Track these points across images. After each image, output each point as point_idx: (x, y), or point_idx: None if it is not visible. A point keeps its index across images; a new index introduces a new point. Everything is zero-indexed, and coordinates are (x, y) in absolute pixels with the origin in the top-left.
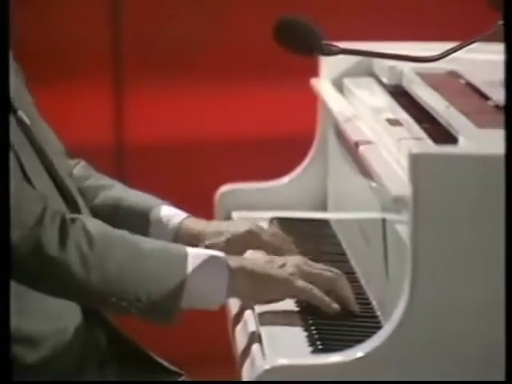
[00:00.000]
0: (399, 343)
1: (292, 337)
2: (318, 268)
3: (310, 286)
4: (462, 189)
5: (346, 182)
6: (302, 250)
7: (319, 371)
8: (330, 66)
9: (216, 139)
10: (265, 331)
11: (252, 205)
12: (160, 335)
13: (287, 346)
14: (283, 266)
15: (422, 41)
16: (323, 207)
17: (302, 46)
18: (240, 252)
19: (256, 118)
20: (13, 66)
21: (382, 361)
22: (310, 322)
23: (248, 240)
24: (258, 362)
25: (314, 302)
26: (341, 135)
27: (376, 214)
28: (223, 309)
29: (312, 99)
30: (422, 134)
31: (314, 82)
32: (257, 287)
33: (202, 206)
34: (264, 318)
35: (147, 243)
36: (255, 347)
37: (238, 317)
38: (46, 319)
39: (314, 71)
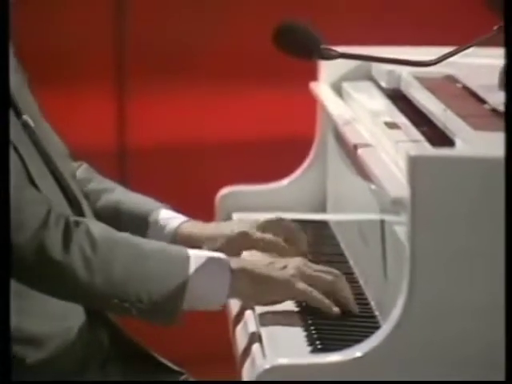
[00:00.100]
0: (397, 343)
1: (292, 337)
2: (318, 270)
3: (310, 289)
4: (459, 190)
5: (344, 183)
6: (297, 249)
7: (318, 370)
8: (329, 69)
9: (217, 142)
10: (265, 331)
11: (252, 206)
12: (162, 335)
13: (287, 346)
14: (284, 267)
15: (420, 45)
16: (322, 209)
17: (302, 50)
18: (235, 253)
19: (256, 121)
20: (17, 71)
21: (380, 360)
22: (310, 322)
23: (241, 241)
24: (259, 362)
25: (314, 304)
26: (340, 138)
27: (374, 216)
28: (224, 309)
29: (311, 102)
30: (419, 136)
31: (313, 85)
32: (258, 289)
33: (202, 208)
34: (264, 319)
35: (150, 245)
36: (255, 347)
37: (239, 317)
38: (50, 320)
39: (314, 75)
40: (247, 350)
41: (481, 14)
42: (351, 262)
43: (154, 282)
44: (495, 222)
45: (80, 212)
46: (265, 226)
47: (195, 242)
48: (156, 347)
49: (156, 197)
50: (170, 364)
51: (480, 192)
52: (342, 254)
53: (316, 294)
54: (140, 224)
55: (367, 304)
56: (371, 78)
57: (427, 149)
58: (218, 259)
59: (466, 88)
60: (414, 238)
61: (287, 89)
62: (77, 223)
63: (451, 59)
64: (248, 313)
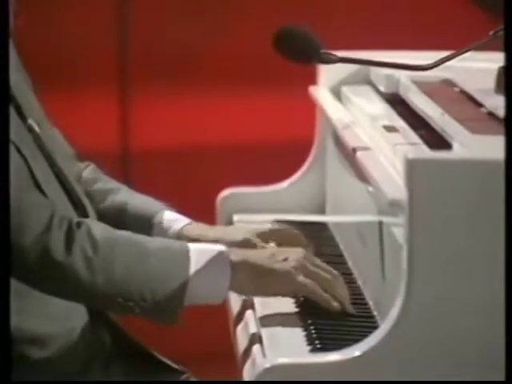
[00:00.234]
0: (395, 343)
1: (291, 337)
2: (318, 265)
3: (311, 282)
4: (455, 193)
5: (343, 186)
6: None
7: (317, 370)
8: (328, 74)
9: (218, 145)
10: (265, 332)
11: (253, 208)
12: (163, 335)
13: (287, 346)
14: (285, 260)
15: (418, 50)
16: (322, 210)
17: (301, 54)
18: None
19: (257, 125)
20: (20, 73)
21: (378, 360)
22: (309, 322)
23: (245, 248)
24: (259, 361)
25: (314, 297)
26: (339, 141)
27: (373, 217)
28: (225, 310)
29: (311, 106)
30: (417, 140)
31: (312, 89)
32: (259, 281)
33: (204, 209)
34: (264, 319)
35: (151, 242)
36: (256, 347)
37: (239, 318)
38: (54, 320)
39: (313, 79)
40: (248, 350)
41: (478, 18)
42: (350, 263)
43: (156, 280)
44: (491, 224)
45: (84, 214)
46: (267, 235)
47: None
48: (157, 347)
49: (158, 198)
50: (171, 363)
51: (476, 194)
52: (340, 255)
53: (317, 287)
54: (144, 225)
55: (366, 304)
56: (370, 82)
57: (425, 152)
58: (219, 253)
59: (463, 92)
60: (412, 239)
61: (287, 93)
62: (79, 225)
63: (449, 63)
64: (248, 313)
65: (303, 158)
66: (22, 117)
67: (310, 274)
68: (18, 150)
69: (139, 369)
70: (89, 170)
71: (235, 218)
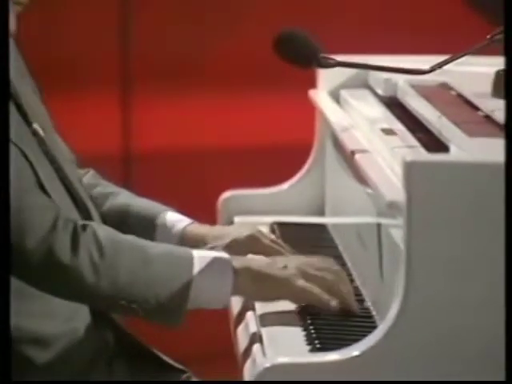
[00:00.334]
0: (393, 342)
1: (291, 336)
2: (319, 267)
3: (310, 286)
4: (453, 195)
5: (342, 188)
6: (300, 254)
7: (317, 369)
8: (327, 78)
9: (219, 147)
10: (265, 332)
11: (253, 210)
12: (165, 335)
13: (287, 346)
14: (285, 267)
15: (415, 54)
16: (321, 212)
17: (301, 58)
18: (241, 254)
19: (257, 127)
20: (26, 78)
21: (377, 359)
22: (309, 322)
23: (249, 244)
24: (259, 361)
25: (313, 300)
26: (338, 144)
27: (371, 219)
28: (225, 310)
29: (310, 109)
30: (415, 142)
31: (312, 93)
32: (259, 287)
33: (205, 211)
34: (264, 319)
35: (154, 248)
36: (256, 347)
37: (240, 318)
38: (57, 320)
39: (312, 83)
40: (248, 350)
41: (475, 23)
42: (349, 264)
43: (160, 284)
44: (489, 226)
45: (88, 216)
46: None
47: (202, 241)
48: (159, 346)
49: (159, 201)
50: (172, 362)
51: (474, 196)
52: (339, 257)
53: (315, 290)
54: (147, 226)
55: (365, 304)
56: (368, 86)
57: (422, 154)
58: (222, 259)
59: (460, 95)
60: (410, 241)
61: (287, 96)
62: (84, 227)
63: (446, 67)
64: (249, 314)
65: (303, 161)
66: (27, 121)
67: (312, 278)
68: (23, 154)
69: (142, 368)
70: (89, 176)
71: (236, 219)
